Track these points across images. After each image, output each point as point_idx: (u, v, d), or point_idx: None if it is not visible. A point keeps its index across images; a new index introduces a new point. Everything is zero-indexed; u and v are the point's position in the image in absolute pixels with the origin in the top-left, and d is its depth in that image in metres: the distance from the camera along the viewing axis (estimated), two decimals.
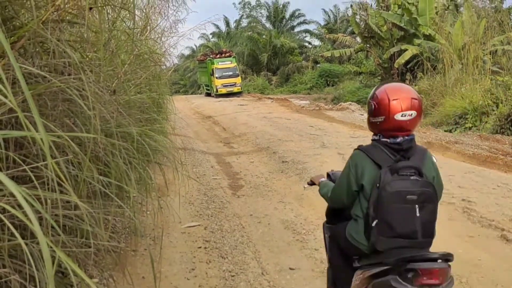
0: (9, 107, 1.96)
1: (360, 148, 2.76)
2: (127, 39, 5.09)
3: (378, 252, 2.62)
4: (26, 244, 1.91)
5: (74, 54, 2.79)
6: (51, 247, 1.69)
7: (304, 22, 49.31)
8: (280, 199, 7.00)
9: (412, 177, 2.54)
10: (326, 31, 41.32)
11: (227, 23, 51.20)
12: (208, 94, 35.65)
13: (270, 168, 9.22)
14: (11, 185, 1.35)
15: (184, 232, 5.62)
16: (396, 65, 20.21)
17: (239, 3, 50.38)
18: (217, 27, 50.54)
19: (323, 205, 5.97)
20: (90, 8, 3.17)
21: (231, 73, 33.68)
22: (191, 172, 8.22)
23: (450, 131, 13.85)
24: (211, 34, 51.70)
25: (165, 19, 7.83)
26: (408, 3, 20.74)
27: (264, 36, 44.02)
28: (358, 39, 25.33)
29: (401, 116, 2.59)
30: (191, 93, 46.69)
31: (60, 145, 2.46)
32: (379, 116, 2.65)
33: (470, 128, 13.46)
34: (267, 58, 42.71)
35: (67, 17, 3.04)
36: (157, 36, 7.71)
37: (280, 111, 20.74)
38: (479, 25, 17.33)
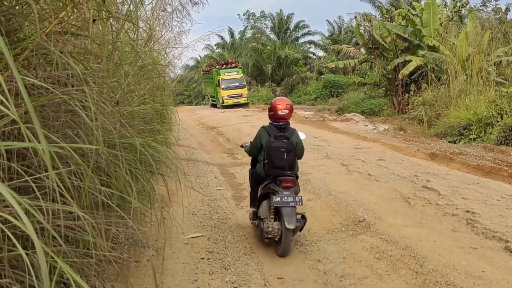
0: (12, 118, 1.97)
1: (263, 127, 5.59)
2: (131, 51, 5.13)
3: (267, 175, 5.44)
4: (27, 254, 1.92)
5: (78, 65, 2.82)
6: (52, 257, 1.70)
7: (308, 33, 49.37)
8: None
9: (283, 140, 5.39)
10: (331, 42, 41.32)
11: (232, 34, 51.33)
12: (214, 105, 35.30)
13: None
14: (7, 194, 1.36)
15: (187, 243, 5.61)
16: (400, 76, 20.20)
17: (244, 14, 50.73)
18: (222, 38, 50.78)
19: (325, 216, 6.07)
20: (94, 20, 3.20)
21: (237, 84, 33.12)
22: (194, 183, 8.22)
23: (455, 142, 13.83)
24: (215, 45, 51.99)
25: (169, 30, 7.89)
26: (412, 14, 20.79)
27: (268, 47, 44.06)
28: (363, 50, 25.28)
29: (281, 112, 5.50)
30: (196, 104, 46.80)
31: (62, 156, 2.47)
32: (271, 111, 5.57)
33: (474, 139, 13.44)
34: (272, 69, 42.68)
35: (71, 29, 3.07)
36: (161, 47, 7.76)
37: None
38: (484, 36, 17.32)
